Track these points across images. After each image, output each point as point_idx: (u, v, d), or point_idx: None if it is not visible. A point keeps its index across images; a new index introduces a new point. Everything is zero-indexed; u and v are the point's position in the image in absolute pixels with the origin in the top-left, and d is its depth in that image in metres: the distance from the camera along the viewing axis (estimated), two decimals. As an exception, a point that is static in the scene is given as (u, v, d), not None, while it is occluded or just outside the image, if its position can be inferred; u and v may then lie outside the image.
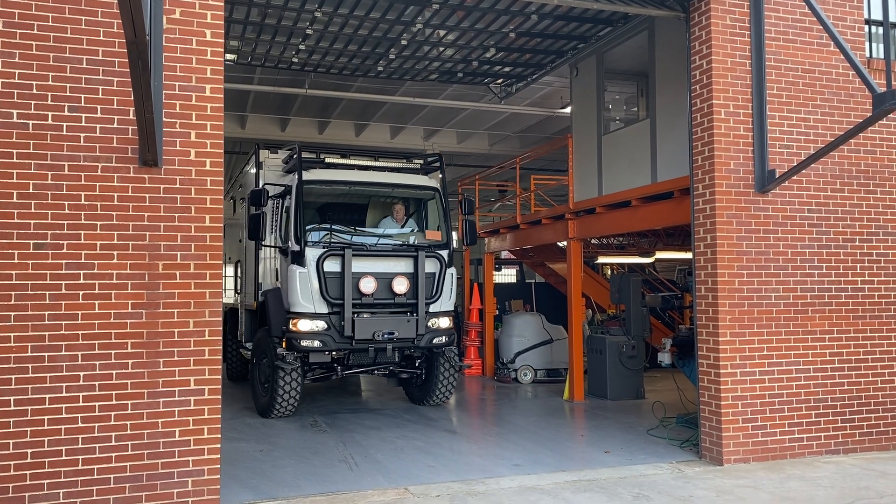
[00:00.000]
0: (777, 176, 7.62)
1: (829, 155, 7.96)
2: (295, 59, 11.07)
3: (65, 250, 5.62)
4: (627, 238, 15.94)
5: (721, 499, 6.33)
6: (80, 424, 5.58)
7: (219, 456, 5.92)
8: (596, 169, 11.04)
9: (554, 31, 10.19)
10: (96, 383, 5.64)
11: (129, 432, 5.69)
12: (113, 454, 5.64)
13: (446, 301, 10.15)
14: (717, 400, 7.60)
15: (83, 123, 5.70)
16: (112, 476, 5.63)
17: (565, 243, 12.43)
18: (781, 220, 7.90)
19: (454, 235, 10.90)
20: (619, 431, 9.24)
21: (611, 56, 10.87)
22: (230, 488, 6.55)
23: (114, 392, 5.68)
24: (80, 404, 5.59)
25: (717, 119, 7.71)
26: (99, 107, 5.74)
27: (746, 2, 7.86)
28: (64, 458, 5.52)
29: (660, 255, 16.30)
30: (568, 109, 13.73)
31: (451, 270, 10.22)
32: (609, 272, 19.62)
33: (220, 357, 5.99)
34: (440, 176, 10.92)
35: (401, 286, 9.64)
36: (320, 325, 9.40)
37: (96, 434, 5.61)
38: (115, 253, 5.74)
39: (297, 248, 9.56)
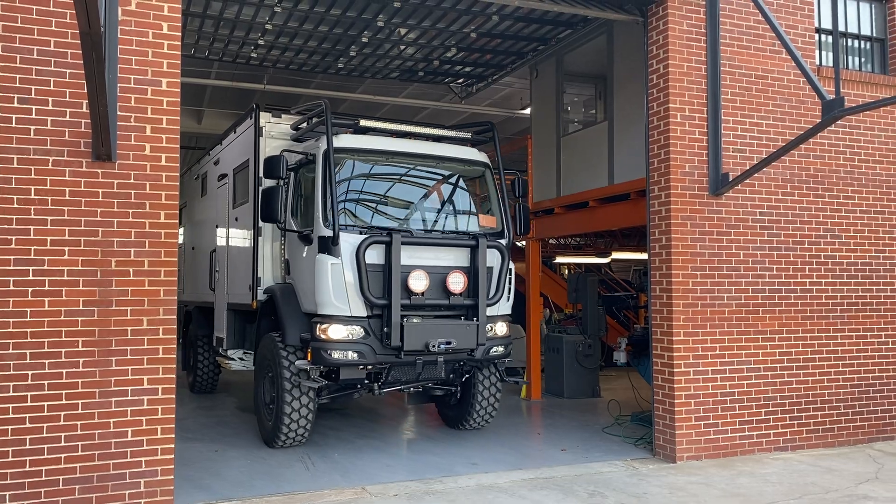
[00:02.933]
0: (730, 179, 7.79)
1: (780, 159, 8.16)
2: (254, 55, 10.93)
3: (13, 246, 5.46)
4: (585, 238, 16.12)
5: (674, 496, 6.45)
6: (28, 425, 5.43)
7: (172, 456, 5.82)
8: (555, 170, 11.14)
9: (514, 33, 10.24)
10: (45, 382, 5.50)
11: (79, 433, 5.56)
12: (62, 455, 5.51)
13: (505, 302, 8.30)
14: (670, 398, 7.74)
15: (33, 115, 5.55)
16: (61, 478, 5.50)
17: (524, 243, 12.51)
18: (734, 222, 8.08)
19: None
20: (576, 429, 9.34)
21: (570, 58, 10.98)
22: (184, 489, 6.44)
23: (64, 391, 5.54)
24: (28, 404, 5.44)
25: (673, 123, 7.85)
26: (50, 99, 5.60)
27: (703, 8, 8.02)
28: (10, 459, 5.37)
29: (616, 255, 16.53)
30: (527, 110, 13.84)
31: (511, 265, 8.38)
32: (566, 272, 19.83)
33: (174, 356, 5.89)
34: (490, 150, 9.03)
35: (457, 284, 7.71)
36: (357, 331, 7.40)
37: (45, 435, 5.47)
38: (66, 249, 5.60)
39: (327, 232, 7.48)
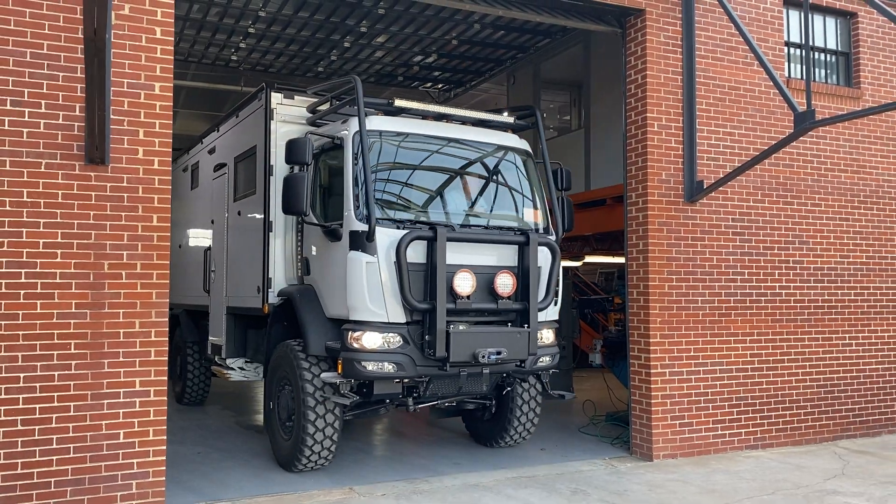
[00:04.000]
0: (705, 187, 8.06)
1: (752, 168, 8.47)
2: (234, 58, 10.97)
3: (5, 248, 5.46)
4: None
5: (654, 492, 6.67)
6: (20, 427, 5.43)
7: (164, 458, 5.87)
8: (532, 175, 11.33)
9: (494, 40, 10.43)
10: (37, 385, 5.50)
11: (71, 435, 5.58)
12: (54, 457, 5.52)
13: (553, 307, 7.45)
14: (647, 398, 7.97)
15: (26, 118, 5.56)
16: (53, 480, 5.51)
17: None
18: (708, 228, 8.36)
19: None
20: (552, 429, 9.54)
21: (547, 66, 11.22)
22: (172, 491, 6.47)
23: (56, 394, 5.55)
24: (20, 406, 5.44)
25: (651, 131, 8.10)
26: (43, 102, 5.61)
27: (679, 21, 8.29)
28: (2, 461, 5.37)
29: (589, 258, 16.82)
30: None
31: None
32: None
33: (166, 359, 5.94)
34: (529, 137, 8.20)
35: (505, 285, 6.84)
36: (395, 340, 6.56)
37: (37, 437, 5.48)
38: (58, 251, 5.61)
39: (361, 227, 6.60)
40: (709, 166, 8.36)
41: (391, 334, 6.56)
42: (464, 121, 7.67)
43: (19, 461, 5.41)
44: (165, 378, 5.91)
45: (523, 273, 7.00)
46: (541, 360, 7.21)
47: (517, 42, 10.55)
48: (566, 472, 7.36)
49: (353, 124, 6.94)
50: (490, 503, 6.33)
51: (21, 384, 5.46)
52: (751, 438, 8.45)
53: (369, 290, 6.50)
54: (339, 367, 6.58)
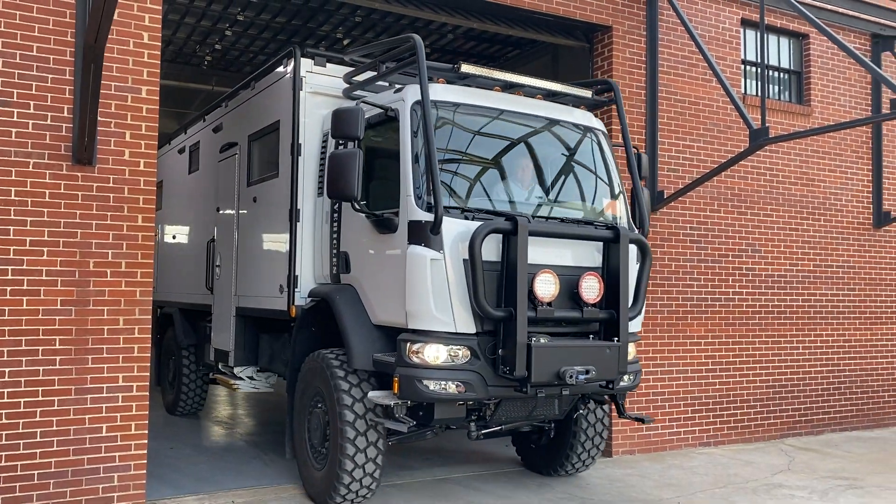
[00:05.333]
0: (665, 197, 8.49)
1: (709, 179, 8.92)
2: (208, 58, 11.07)
3: (-7, 245, 5.58)
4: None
5: (614, 486, 7.05)
6: (4, 421, 5.54)
7: (145, 452, 6.03)
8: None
9: (466, 50, 10.74)
10: (22, 379, 5.62)
11: (54, 428, 5.71)
12: (37, 450, 5.64)
13: (639, 317, 6.35)
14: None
15: (15, 118, 5.67)
16: (36, 472, 5.63)
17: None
18: (667, 236, 8.79)
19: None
20: (517, 428, 9.87)
21: (516, 75, 11.53)
22: (150, 485, 6.60)
23: (40, 388, 5.67)
24: (5, 401, 5.55)
25: (616, 143, 8.48)
26: (32, 103, 5.72)
27: (643, 38, 8.70)
28: (-13, 454, 5.48)
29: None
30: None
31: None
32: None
33: (149, 354, 6.09)
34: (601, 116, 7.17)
35: (592, 290, 5.79)
36: (463, 354, 5.51)
37: (21, 430, 5.59)
38: (45, 249, 5.74)
39: (423, 216, 5.50)
40: (669, 177, 8.79)
41: (459, 347, 5.50)
42: (535, 92, 6.56)
43: (3, 454, 5.52)
44: (148, 374, 6.07)
45: (610, 275, 5.93)
46: (625, 378, 6.12)
47: (487, 52, 10.88)
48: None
49: (411, 93, 5.84)
50: (460, 496, 6.63)
51: (6, 378, 5.57)
52: (704, 436, 8.91)
53: (434, 294, 5.41)
54: (396, 385, 5.50)
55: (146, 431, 6.04)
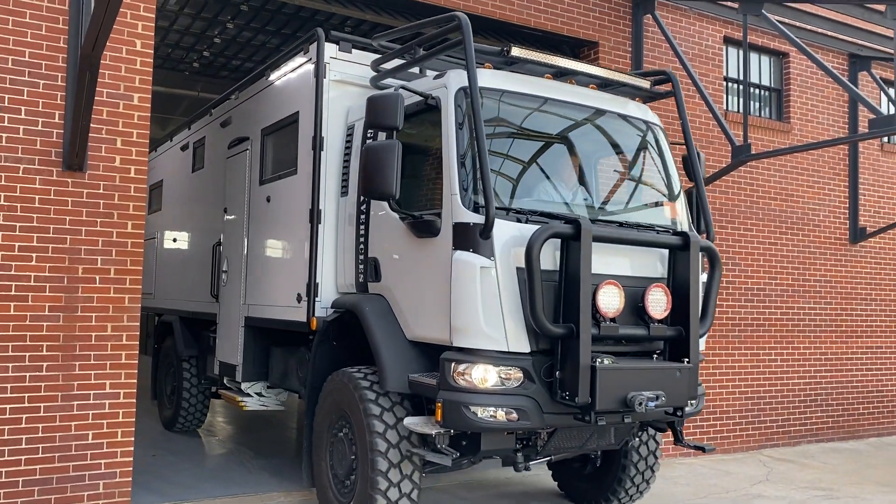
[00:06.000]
0: (649, 210, 8.61)
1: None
2: (196, 64, 11.08)
3: (-19, 250, 5.56)
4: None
5: (596, 495, 7.13)
6: (-10, 427, 5.52)
7: (131, 459, 6.01)
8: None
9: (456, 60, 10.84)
10: (8, 385, 5.59)
11: (40, 435, 5.68)
12: (22, 457, 5.61)
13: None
14: (591, 408, 8.44)
15: (6, 124, 5.66)
16: (21, 479, 5.60)
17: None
18: (650, 248, 8.91)
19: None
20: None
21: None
22: (135, 492, 6.59)
23: (26, 395, 5.65)
24: (-9, 407, 5.53)
25: (601, 156, 8.62)
26: (23, 108, 5.72)
27: (629, 54, 8.86)
28: (-29, 461, 5.45)
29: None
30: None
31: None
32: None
33: (136, 361, 6.08)
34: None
35: (659, 304, 5.17)
36: (515, 377, 4.84)
37: (6, 437, 5.56)
38: (33, 255, 5.72)
39: (472, 218, 4.86)
40: (653, 191, 8.92)
41: (511, 368, 4.82)
42: (589, 81, 5.96)
43: (-12, 460, 5.50)
44: (135, 381, 6.06)
45: (677, 287, 5.29)
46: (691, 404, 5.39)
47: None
48: (512, 478, 7.76)
49: (455, 78, 5.16)
50: (445, 505, 6.68)
51: (-8, 384, 5.55)
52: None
53: (484, 307, 4.75)
54: (439, 411, 4.81)
55: (132, 439, 6.03)
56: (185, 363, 9.05)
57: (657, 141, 6.05)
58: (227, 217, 7.92)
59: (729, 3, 9.24)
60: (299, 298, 6.30)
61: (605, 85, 6.06)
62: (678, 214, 5.93)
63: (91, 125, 5.92)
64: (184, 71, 11.56)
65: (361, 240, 5.91)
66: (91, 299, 5.91)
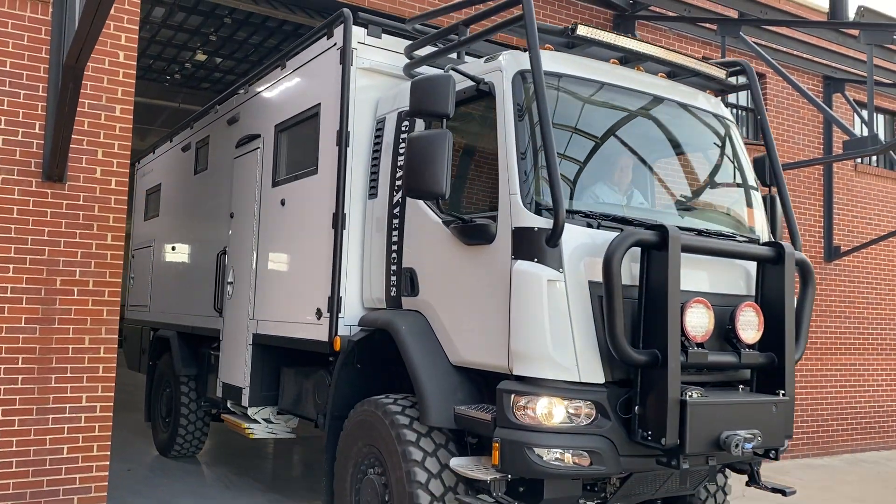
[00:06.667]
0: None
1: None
2: (177, 76, 11.05)
3: (-43, 261, 5.49)
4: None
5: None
6: (-38, 441, 5.43)
7: (107, 474, 5.93)
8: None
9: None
10: (-18, 398, 5.52)
11: (14, 449, 5.59)
12: (-5, 471, 5.53)
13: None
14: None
15: (-15, 133, 5.62)
16: (-7, 494, 5.52)
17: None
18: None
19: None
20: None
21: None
22: (109, 507, 6.53)
23: (0, 408, 5.57)
24: (-37, 420, 5.45)
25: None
26: (3, 118, 5.67)
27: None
28: (-58, 475, 5.35)
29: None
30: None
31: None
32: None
33: (114, 374, 6.02)
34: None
35: (750, 326, 4.46)
36: (587, 412, 4.12)
37: (-21, 451, 5.49)
38: (10, 266, 5.66)
39: (537, 222, 4.17)
40: (632, 208, 9.01)
41: (582, 402, 4.07)
42: (659, 69, 5.28)
43: (-40, 475, 5.41)
44: (112, 394, 5.99)
45: (767, 306, 4.57)
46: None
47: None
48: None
49: (511, 61, 4.52)
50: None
51: (-35, 397, 5.46)
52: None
53: (552, 328, 4.03)
54: (496, 453, 4.08)
55: (108, 453, 5.96)
56: (184, 383, 8.33)
57: (732, 138, 5.35)
58: (234, 222, 7.25)
59: (707, 25, 9.40)
60: (319, 314, 5.64)
61: (671, 74, 5.39)
62: (757, 222, 5.20)
63: (72, 136, 5.91)
64: (164, 82, 11.51)
65: (394, 248, 5.20)
66: (69, 311, 5.85)
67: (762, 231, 5.22)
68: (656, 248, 4.15)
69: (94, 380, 5.91)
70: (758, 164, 5.41)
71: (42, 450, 5.69)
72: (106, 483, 5.93)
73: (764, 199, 5.42)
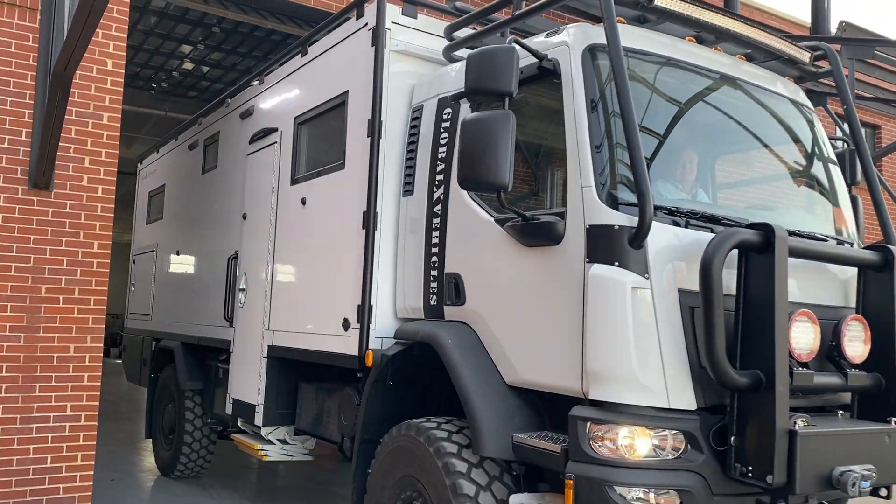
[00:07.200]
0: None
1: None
2: (164, 84, 11.04)
3: (-59, 269, 5.45)
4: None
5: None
6: (-56, 450, 5.38)
7: (91, 483, 5.89)
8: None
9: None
10: (-35, 407, 5.47)
11: (-4, 458, 5.56)
12: (-23, 481, 5.48)
13: None
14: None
15: (-29, 141, 5.60)
16: (-25, 504, 5.47)
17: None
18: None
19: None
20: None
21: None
22: (92, 517, 6.47)
23: (-17, 417, 5.53)
24: (-54, 429, 5.40)
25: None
26: (-10, 125, 5.67)
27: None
28: (-77, 485, 5.30)
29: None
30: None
31: None
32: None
33: (99, 383, 5.99)
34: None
35: (857, 342, 3.94)
36: (676, 444, 3.52)
37: (-39, 460, 5.43)
38: (-5, 274, 5.63)
39: (617, 219, 3.59)
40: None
41: (671, 432, 3.48)
42: (739, 50, 4.75)
43: (-59, 485, 5.35)
44: (97, 403, 5.96)
45: (871, 320, 4.01)
46: None
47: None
48: None
49: (579, 35, 3.97)
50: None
51: (-52, 406, 5.42)
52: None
53: (637, 344, 3.45)
54: (569, 492, 3.50)
55: (93, 462, 5.92)
56: (188, 398, 7.69)
57: (815, 130, 4.82)
58: (247, 225, 6.70)
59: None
60: (346, 325, 5.06)
61: (748, 57, 4.87)
62: (845, 222, 4.67)
63: (59, 143, 5.90)
64: (150, 90, 11.50)
65: (434, 250, 4.62)
66: (54, 319, 5.82)
67: (850, 233, 4.65)
68: (758, 250, 3.55)
69: (79, 389, 5.88)
70: (841, 160, 4.91)
71: (25, 459, 5.65)
72: (90, 493, 5.89)
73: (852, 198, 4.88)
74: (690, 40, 4.54)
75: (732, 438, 3.48)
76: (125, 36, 6.25)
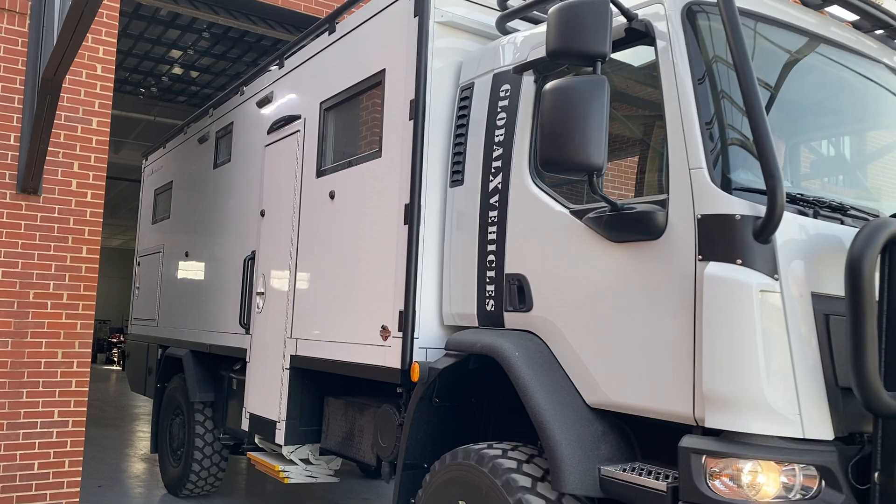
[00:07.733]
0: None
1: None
2: (154, 89, 11.02)
3: (-72, 273, 5.42)
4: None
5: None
6: (-70, 456, 5.34)
7: (78, 490, 5.86)
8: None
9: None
10: (-49, 413, 5.44)
11: (-17, 465, 5.52)
12: (-36, 488, 5.44)
13: None
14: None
15: (-41, 145, 5.58)
16: (-39, 511, 5.43)
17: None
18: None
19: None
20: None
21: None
22: (80, 524, 6.43)
23: (-30, 423, 5.50)
24: (-68, 435, 5.36)
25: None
26: (-23, 129, 5.64)
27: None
28: None
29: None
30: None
31: None
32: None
33: (87, 389, 5.97)
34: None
35: None
36: (809, 482, 2.81)
37: (-53, 467, 5.39)
38: (-18, 279, 5.61)
39: (736, 207, 2.89)
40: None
41: (804, 467, 2.86)
42: (853, 19, 4.23)
43: (-73, 491, 5.31)
44: (85, 409, 5.93)
45: None
46: None
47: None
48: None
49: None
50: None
51: (-66, 412, 5.38)
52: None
53: (767, 360, 2.83)
54: None
55: (80, 468, 5.89)
56: (198, 411, 7.12)
57: None
58: (266, 222, 6.14)
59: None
60: (385, 333, 4.50)
61: (854, 25, 4.30)
62: None
63: (48, 148, 5.88)
64: (139, 95, 11.46)
65: (490, 248, 4.02)
66: (42, 325, 5.79)
67: None
68: None
69: (67, 394, 5.85)
70: None
71: (12, 465, 5.62)
72: (77, 500, 5.86)
73: None
74: (796, 1, 3.90)
75: (877, 475, 2.86)
76: (115, 41, 6.24)
